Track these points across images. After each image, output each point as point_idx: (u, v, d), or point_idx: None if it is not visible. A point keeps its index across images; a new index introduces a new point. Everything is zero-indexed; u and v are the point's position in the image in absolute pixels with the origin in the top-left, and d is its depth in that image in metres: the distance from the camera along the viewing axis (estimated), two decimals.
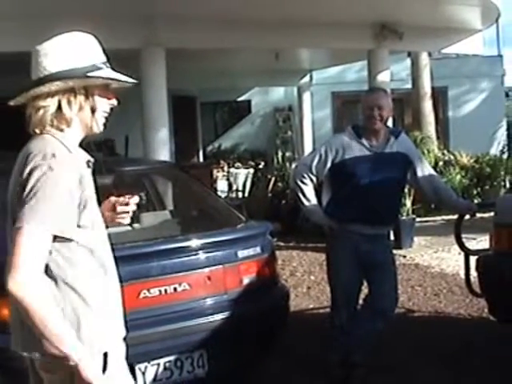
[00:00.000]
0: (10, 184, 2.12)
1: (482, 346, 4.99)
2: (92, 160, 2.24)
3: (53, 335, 1.95)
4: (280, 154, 15.21)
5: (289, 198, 10.07)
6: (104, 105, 2.21)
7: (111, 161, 6.16)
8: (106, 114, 2.24)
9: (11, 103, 2.20)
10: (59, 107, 2.13)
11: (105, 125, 2.25)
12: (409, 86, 14.16)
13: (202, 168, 13.42)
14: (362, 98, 4.51)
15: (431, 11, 8.91)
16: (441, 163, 12.00)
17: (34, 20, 6.81)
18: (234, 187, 13.39)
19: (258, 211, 9.20)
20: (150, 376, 3.65)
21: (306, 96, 15.94)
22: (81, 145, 2.25)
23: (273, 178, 11.31)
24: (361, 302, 4.53)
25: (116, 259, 2.29)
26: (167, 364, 3.71)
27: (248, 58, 12.51)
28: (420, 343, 5.14)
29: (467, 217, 4.99)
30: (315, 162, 4.36)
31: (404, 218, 8.64)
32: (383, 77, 9.80)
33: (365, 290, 4.52)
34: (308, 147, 15.04)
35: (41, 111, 2.13)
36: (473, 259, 4.93)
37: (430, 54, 14.03)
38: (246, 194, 11.94)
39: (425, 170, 4.54)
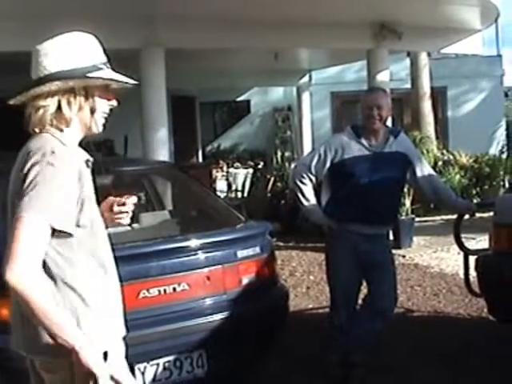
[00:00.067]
0: (10, 182, 2.12)
1: (482, 346, 4.98)
2: (91, 160, 2.24)
3: (53, 324, 1.95)
4: (279, 153, 15.21)
5: (288, 197, 10.05)
6: (104, 106, 2.22)
7: (110, 161, 6.18)
8: (106, 115, 2.24)
9: (11, 102, 2.20)
10: (59, 107, 2.14)
11: (104, 125, 2.26)
12: (408, 85, 14.14)
13: (201, 168, 13.44)
14: (361, 97, 4.51)
15: (430, 11, 8.92)
16: (440, 163, 12.00)
17: (34, 20, 6.82)
18: (234, 187, 13.39)
19: (257, 211, 9.18)
20: (149, 376, 3.65)
21: (306, 96, 15.95)
22: (80, 145, 2.25)
23: (272, 178, 11.30)
24: (360, 301, 4.53)
25: (115, 259, 2.29)
26: (166, 364, 3.70)
27: (247, 58, 12.51)
28: (419, 343, 5.13)
29: (466, 217, 4.98)
30: (314, 162, 4.36)
31: (403, 217, 8.62)
32: (382, 77, 9.81)
33: (364, 289, 4.52)
34: (307, 147, 15.03)
35: (40, 111, 2.13)
36: (472, 259, 4.92)
37: (429, 54, 14.01)
38: (246, 194, 11.91)
39: (424, 169, 4.53)
